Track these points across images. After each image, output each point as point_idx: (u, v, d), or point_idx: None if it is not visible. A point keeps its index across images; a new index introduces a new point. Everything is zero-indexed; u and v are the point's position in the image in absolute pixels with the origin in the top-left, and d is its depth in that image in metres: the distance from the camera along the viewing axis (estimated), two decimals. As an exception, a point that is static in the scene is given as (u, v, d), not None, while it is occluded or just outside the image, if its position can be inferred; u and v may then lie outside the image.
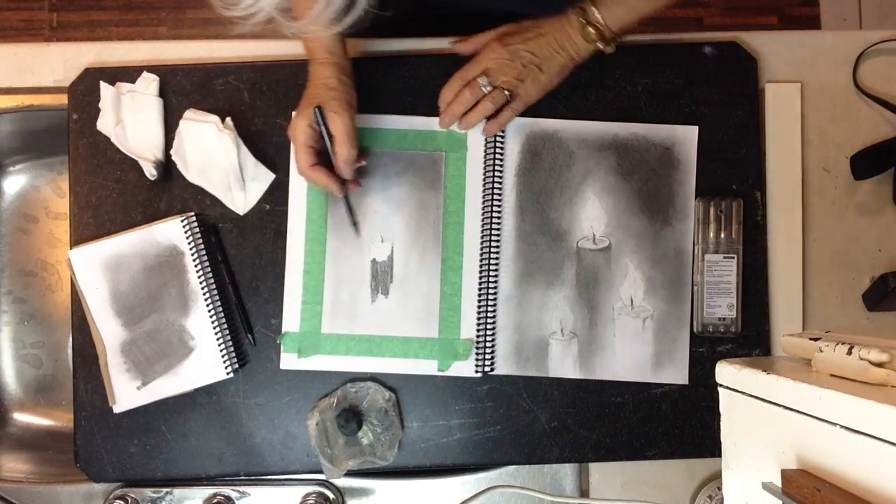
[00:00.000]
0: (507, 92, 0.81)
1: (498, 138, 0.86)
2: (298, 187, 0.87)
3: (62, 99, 0.89)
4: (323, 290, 0.86)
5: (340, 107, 0.77)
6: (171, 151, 0.87)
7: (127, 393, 0.85)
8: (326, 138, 0.78)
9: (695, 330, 0.86)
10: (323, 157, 0.80)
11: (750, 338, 0.86)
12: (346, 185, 0.82)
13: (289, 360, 0.86)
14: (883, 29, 0.90)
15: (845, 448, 0.42)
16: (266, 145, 0.88)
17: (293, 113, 0.80)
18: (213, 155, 0.85)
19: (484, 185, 0.87)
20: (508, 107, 0.82)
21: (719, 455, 0.57)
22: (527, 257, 0.86)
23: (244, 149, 0.86)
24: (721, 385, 0.56)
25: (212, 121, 0.85)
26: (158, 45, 0.91)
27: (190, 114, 0.86)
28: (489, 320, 0.85)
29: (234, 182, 0.86)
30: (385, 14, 0.65)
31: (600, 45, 0.80)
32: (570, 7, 0.79)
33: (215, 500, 0.85)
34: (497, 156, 0.86)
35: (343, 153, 0.77)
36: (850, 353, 0.46)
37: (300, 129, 0.77)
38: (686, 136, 0.87)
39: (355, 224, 0.86)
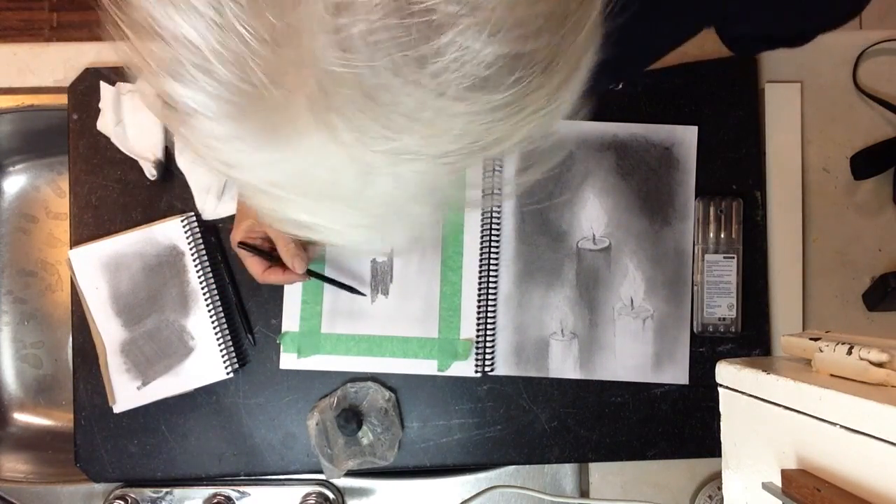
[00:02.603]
0: None
1: (498, 138, 0.86)
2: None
3: (62, 99, 0.89)
4: (323, 290, 0.86)
5: None
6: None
7: (127, 393, 0.85)
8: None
9: (695, 330, 0.85)
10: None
11: (750, 338, 0.86)
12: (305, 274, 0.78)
13: (288, 360, 0.86)
14: (883, 29, 0.90)
15: (845, 448, 0.42)
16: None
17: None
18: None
19: (484, 185, 0.87)
20: None
21: (719, 455, 0.57)
22: (527, 257, 0.86)
23: None
24: (721, 385, 0.56)
25: None
26: (158, 45, 0.91)
27: None
28: (489, 320, 0.85)
29: (214, 189, 0.86)
30: None
31: None
32: None
33: (215, 500, 0.85)
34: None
35: (282, 248, 0.74)
36: (850, 353, 0.46)
37: (240, 239, 0.75)
38: (686, 136, 0.87)
39: (352, 289, 0.82)
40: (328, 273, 0.86)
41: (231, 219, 0.86)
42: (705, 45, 0.87)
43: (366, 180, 0.33)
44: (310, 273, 0.79)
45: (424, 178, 0.33)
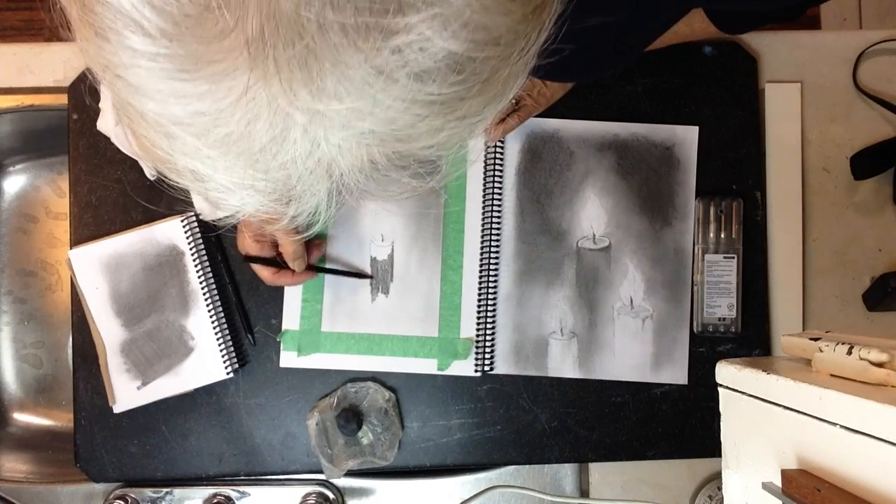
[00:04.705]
0: (513, 100, 0.81)
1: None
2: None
3: (62, 99, 0.89)
4: (323, 289, 0.86)
5: None
6: None
7: (127, 393, 0.85)
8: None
9: (695, 330, 0.85)
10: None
11: (750, 338, 0.86)
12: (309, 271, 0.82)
13: (288, 358, 0.86)
14: (883, 29, 0.90)
15: (845, 448, 0.42)
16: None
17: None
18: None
19: (484, 185, 0.87)
20: (515, 114, 0.82)
21: (719, 455, 0.57)
22: (527, 257, 0.86)
23: None
24: (721, 385, 0.56)
25: None
26: (158, 44, 0.91)
27: None
28: (489, 319, 0.85)
29: None
30: None
31: None
32: None
33: (215, 500, 0.85)
34: (497, 155, 0.86)
35: (287, 250, 0.77)
36: (850, 353, 0.46)
37: (248, 245, 0.78)
38: (686, 136, 0.87)
39: (357, 274, 0.86)
40: (330, 268, 0.86)
41: (231, 219, 0.86)
42: (694, 23, 0.87)
43: (278, 137, 0.31)
44: (316, 269, 0.83)
45: (335, 153, 0.32)
